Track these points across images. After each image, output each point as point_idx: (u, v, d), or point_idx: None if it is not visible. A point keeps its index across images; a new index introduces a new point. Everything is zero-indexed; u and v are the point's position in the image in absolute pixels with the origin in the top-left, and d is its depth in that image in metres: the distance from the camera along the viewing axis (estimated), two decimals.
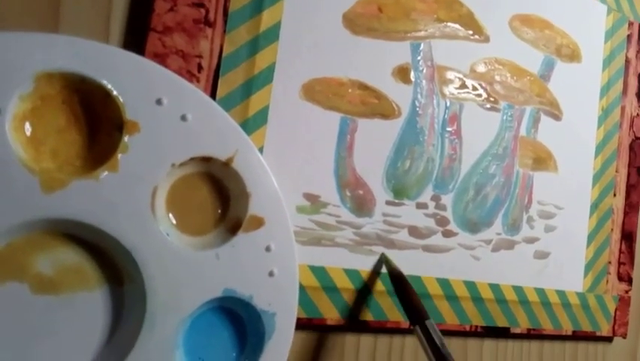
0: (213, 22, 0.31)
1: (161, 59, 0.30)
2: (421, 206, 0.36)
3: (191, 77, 0.31)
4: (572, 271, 0.43)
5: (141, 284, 0.27)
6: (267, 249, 0.29)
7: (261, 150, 0.32)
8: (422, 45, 0.36)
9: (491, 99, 0.39)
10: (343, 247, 0.34)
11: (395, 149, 0.36)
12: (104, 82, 0.26)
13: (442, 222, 0.37)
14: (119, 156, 0.26)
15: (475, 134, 0.39)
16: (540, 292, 0.41)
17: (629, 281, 0.46)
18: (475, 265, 0.38)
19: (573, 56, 0.43)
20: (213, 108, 0.28)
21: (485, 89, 0.39)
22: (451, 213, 0.37)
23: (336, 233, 0.34)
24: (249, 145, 0.28)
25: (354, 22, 0.34)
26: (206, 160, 0.28)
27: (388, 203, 0.35)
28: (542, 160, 0.42)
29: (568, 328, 0.42)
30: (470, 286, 0.38)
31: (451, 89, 0.38)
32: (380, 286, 0.35)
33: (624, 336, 0.46)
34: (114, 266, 0.27)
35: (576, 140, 0.43)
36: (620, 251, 0.46)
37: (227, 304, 0.29)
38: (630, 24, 0.47)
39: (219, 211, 0.29)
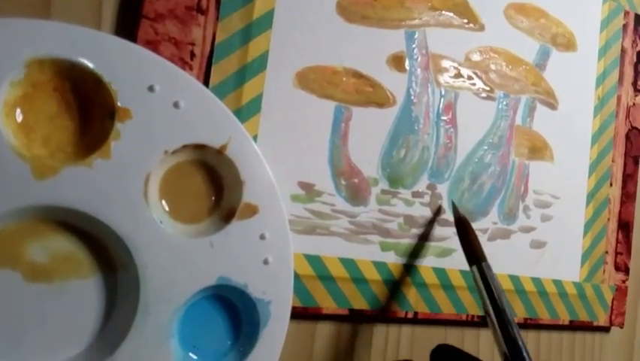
0: (206, 10, 0.31)
1: (153, 46, 0.30)
2: (417, 195, 0.36)
3: (183, 64, 0.30)
4: (568, 260, 0.43)
5: (134, 272, 0.27)
6: (262, 237, 0.29)
7: (254, 138, 0.32)
8: (417, 33, 0.36)
9: (487, 88, 0.39)
10: (338, 235, 0.34)
11: (390, 137, 0.36)
12: (96, 68, 0.26)
13: (437, 211, 0.37)
14: (112, 143, 0.26)
15: (470, 123, 0.39)
16: (537, 281, 0.41)
17: (626, 271, 0.46)
18: None
19: (569, 45, 0.43)
20: (206, 95, 0.28)
21: (480, 78, 0.39)
22: (446, 203, 0.37)
23: (332, 222, 0.34)
24: (242, 133, 0.28)
25: (348, 10, 0.34)
26: (200, 148, 0.28)
27: (384, 192, 0.35)
28: (538, 149, 0.42)
29: (565, 318, 0.43)
30: (466, 275, 0.38)
31: (446, 78, 0.38)
32: (376, 275, 0.35)
33: (621, 326, 0.46)
34: (107, 254, 0.27)
35: (572, 129, 0.44)
36: (617, 241, 0.46)
37: (221, 293, 0.29)
38: (626, 13, 0.47)
39: (213, 199, 0.29)
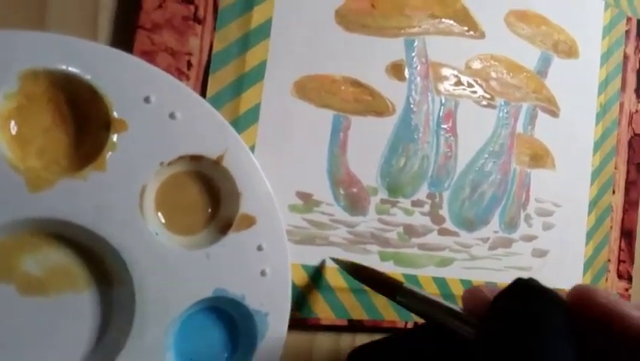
0: (203, 19, 0.31)
1: (149, 56, 0.29)
2: (417, 204, 0.36)
3: (180, 74, 0.30)
4: (571, 269, 0.43)
5: (130, 285, 0.26)
6: (259, 248, 0.29)
7: (252, 148, 0.31)
8: (416, 41, 0.36)
9: (487, 96, 0.39)
10: (337, 245, 0.33)
11: (389, 146, 0.35)
12: (91, 80, 0.25)
13: (437, 220, 0.37)
14: (107, 154, 0.26)
15: (470, 132, 0.38)
16: None
17: (629, 279, 0.46)
18: (472, 263, 0.38)
19: (570, 52, 0.43)
20: (203, 106, 0.28)
21: (481, 86, 0.39)
22: (447, 212, 0.37)
23: (330, 232, 0.33)
24: (239, 143, 0.28)
25: (347, 19, 0.34)
26: (196, 159, 0.27)
27: (383, 201, 0.35)
28: (540, 157, 0.41)
29: None
30: (467, 285, 0.38)
31: (446, 86, 0.37)
32: None
33: None
34: (103, 267, 0.27)
35: (574, 136, 0.43)
36: (620, 249, 0.45)
37: (218, 305, 0.29)
38: (628, 20, 0.47)
39: (210, 210, 0.28)
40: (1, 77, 0.24)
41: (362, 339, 0.35)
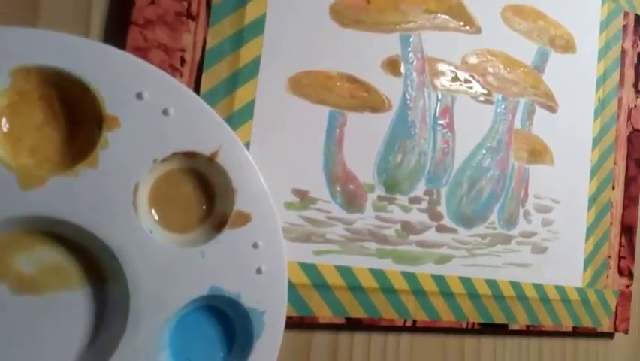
0: (196, 15, 0.31)
1: (142, 52, 0.29)
2: (414, 201, 0.36)
3: (174, 71, 0.30)
4: (571, 266, 0.42)
5: (124, 283, 0.26)
6: (255, 246, 0.29)
7: (247, 145, 0.31)
8: (412, 37, 0.36)
9: (484, 91, 0.39)
10: (334, 243, 0.33)
11: (386, 143, 0.35)
12: (82, 76, 0.25)
13: (435, 217, 0.37)
14: (99, 151, 0.26)
15: (468, 127, 0.38)
16: (538, 287, 0.41)
17: (630, 276, 0.45)
18: (471, 260, 0.38)
19: (568, 46, 0.43)
20: (196, 102, 0.27)
21: (478, 81, 0.39)
22: (445, 208, 0.37)
23: (327, 229, 0.33)
24: (233, 140, 0.28)
25: (341, 14, 0.34)
26: (190, 155, 0.27)
27: (380, 198, 0.35)
28: (538, 153, 0.41)
29: (568, 324, 0.42)
30: (466, 282, 0.37)
31: (442, 82, 0.37)
32: (373, 282, 0.34)
33: (626, 332, 0.45)
34: (96, 265, 0.26)
35: (572, 132, 0.43)
36: (620, 245, 0.45)
37: (214, 303, 0.28)
38: (626, 14, 0.47)
39: (204, 208, 0.28)
40: None
41: (360, 338, 0.35)
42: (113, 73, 0.26)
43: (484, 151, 0.39)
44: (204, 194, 0.28)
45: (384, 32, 0.35)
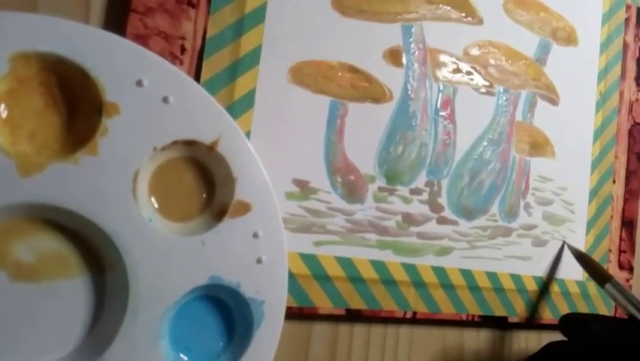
0: (196, 3, 0.31)
1: (142, 40, 0.29)
2: (415, 192, 0.36)
3: (174, 59, 0.30)
4: (571, 258, 0.42)
5: (123, 272, 0.26)
6: (255, 235, 0.29)
7: (247, 134, 0.31)
8: (414, 27, 0.36)
9: (486, 83, 0.39)
10: (335, 234, 0.33)
11: (387, 133, 0.35)
12: (83, 63, 0.25)
13: (436, 208, 0.37)
14: (99, 139, 0.26)
15: (469, 119, 0.38)
16: (539, 280, 0.41)
17: (630, 269, 0.46)
18: (471, 253, 0.38)
19: (569, 39, 0.43)
20: (196, 90, 0.27)
21: (479, 73, 0.38)
22: (445, 200, 0.37)
23: (327, 220, 0.33)
24: (234, 128, 0.28)
25: (343, 4, 0.34)
26: (190, 144, 0.27)
27: (381, 189, 0.35)
28: (539, 145, 0.41)
29: None
30: (466, 274, 0.37)
31: (444, 73, 0.37)
32: (373, 274, 0.34)
33: None
34: (95, 253, 0.26)
35: (574, 125, 0.43)
36: (621, 239, 0.45)
37: (213, 293, 0.28)
38: (628, 7, 0.46)
39: (204, 196, 0.28)
40: None
41: (360, 329, 0.35)
42: (113, 60, 0.26)
43: (485, 143, 0.39)
44: (204, 183, 0.28)
45: (386, 22, 0.35)
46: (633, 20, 0.47)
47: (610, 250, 0.45)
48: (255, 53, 0.32)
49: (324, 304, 0.33)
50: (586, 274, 0.43)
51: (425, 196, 0.36)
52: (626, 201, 0.46)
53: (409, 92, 0.36)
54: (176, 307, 0.28)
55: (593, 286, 0.43)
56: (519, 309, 0.40)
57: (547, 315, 0.41)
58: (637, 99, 0.47)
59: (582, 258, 0.41)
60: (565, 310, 0.42)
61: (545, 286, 0.41)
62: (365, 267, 0.34)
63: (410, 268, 0.35)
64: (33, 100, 0.25)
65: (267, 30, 0.32)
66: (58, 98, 0.26)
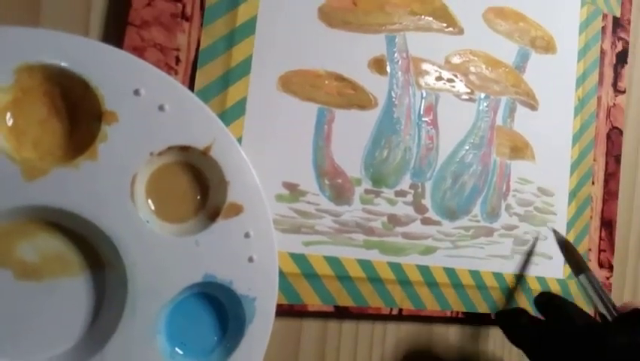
0: (190, 16, 0.32)
1: (139, 52, 0.31)
2: (400, 194, 0.38)
3: (169, 69, 0.32)
4: (552, 258, 0.44)
5: (122, 270, 0.28)
6: (246, 235, 0.30)
7: (239, 140, 0.33)
8: (397, 37, 0.38)
9: (467, 90, 0.41)
10: (323, 234, 0.35)
11: (372, 138, 0.37)
12: (84, 74, 0.27)
13: (420, 209, 0.38)
14: (99, 145, 0.27)
15: (451, 124, 0.40)
16: (520, 278, 0.43)
17: (610, 268, 0.48)
18: (455, 252, 0.40)
19: (548, 47, 0.45)
20: (190, 99, 0.29)
21: (461, 80, 0.40)
22: (429, 201, 0.39)
23: (316, 221, 0.35)
24: (226, 134, 0.30)
25: (329, 16, 0.36)
26: (185, 149, 0.29)
27: (367, 191, 0.37)
28: (519, 149, 0.43)
29: None
30: (450, 272, 0.39)
31: (426, 80, 0.39)
32: (360, 272, 0.36)
33: None
34: (95, 253, 0.28)
35: (553, 129, 0.45)
36: (600, 238, 0.47)
37: (207, 290, 0.30)
38: (604, 16, 0.49)
39: (199, 199, 0.30)
40: None
41: (349, 326, 0.37)
42: (112, 71, 0.27)
43: (467, 147, 0.41)
44: (198, 186, 0.30)
45: (371, 33, 0.37)
46: (610, 29, 0.49)
47: (590, 250, 0.47)
48: (245, 63, 0.34)
49: (313, 301, 0.35)
50: (567, 272, 0.45)
51: (410, 198, 0.38)
52: (605, 202, 0.48)
53: (394, 99, 0.38)
54: (172, 303, 0.29)
55: (573, 284, 0.45)
56: (502, 306, 0.42)
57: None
58: (615, 104, 0.49)
59: (565, 245, 0.42)
60: None
61: (527, 283, 0.43)
62: (352, 266, 0.36)
63: (396, 267, 0.37)
64: (37, 109, 0.27)
65: (257, 41, 0.34)
66: (61, 107, 0.27)
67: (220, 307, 0.31)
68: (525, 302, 0.43)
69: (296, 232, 0.34)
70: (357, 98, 0.37)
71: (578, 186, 0.46)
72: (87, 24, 0.31)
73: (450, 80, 0.40)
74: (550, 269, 0.44)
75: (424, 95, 0.39)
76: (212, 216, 0.30)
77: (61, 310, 0.27)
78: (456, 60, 0.40)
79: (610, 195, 0.48)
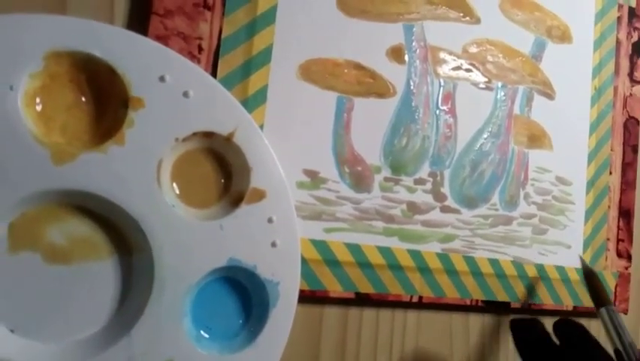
0: (212, 6, 0.33)
1: (163, 41, 0.31)
2: (419, 182, 0.38)
3: (192, 57, 0.32)
4: (570, 247, 0.44)
5: (149, 253, 0.28)
6: (269, 220, 0.30)
7: (260, 128, 0.33)
8: (415, 26, 0.38)
9: (484, 79, 0.41)
10: (343, 221, 0.35)
11: (391, 127, 0.37)
12: (110, 60, 0.27)
13: (439, 197, 0.38)
14: (126, 130, 0.28)
15: (469, 113, 0.40)
16: (539, 267, 0.42)
17: (629, 258, 0.47)
18: (473, 240, 0.40)
19: (564, 37, 0.45)
20: (214, 86, 0.29)
21: (478, 69, 0.40)
22: (448, 189, 0.39)
23: (336, 208, 0.35)
24: (249, 121, 0.30)
25: (348, 5, 0.36)
26: (209, 135, 0.29)
27: (386, 179, 0.37)
28: (537, 138, 0.43)
29: (568, 303, 0.44)
30: (470, 261, 0.39)
31: (444, 69, 0.39)
32: (380, 259, 0.36)
33: (625, 312, 0.47)
34: (123, 236, 0.28)
35: (570, 119, 0.45)
36: (619, 228, 0.47)
37: (232, 274, 0.30)
38: (620, 6, 0.48)
39: (222, 184, 0.30)
40: (26, 58, 0.26)
41: (369, 313, 0.37)
42: (137, 58, 0.28)
43: (485, 136, 0.41)
44: (222, 172, 0.30)
45: (389, 22, 0.37)
46: (625, 19, 0.49)
47: (608, 239, 0.46)
48: (266, 51, 0.34)
49: (334, 287, 0.35)
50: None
51: (429, 186, 0.38)
52: (622, 191, 0.47)
53: (412, 88, 0.38)
54: (197, 287, 0.29)
55: None
56: (521, 295, 0.41)
57: (549, 301, 0.43)
58: (631, 94, 0.49)
59: (589, 276, 0.41)
60: (565, 296, 0.43)
61: (546, 272, 0.43)
62: (373, 253, 0.36)
63: (415, 254, 0.37)
64: (65, 95, 0.27)
65: (277, 30, 0.34)
66: (88, 93, 0.28)
67: (244, 292, 0.31)
68: (544, 291, 0.42)
69: (317, 218, 0.34)
70: (375, 87, 0.37)
71: (595, 175, 0.46)
72: (112, 13, 0.31)
73: (468, 69, 0.40)
74: (569, 258, 0.44)
75: (442, 83, 0.39)
76: (236, 201, 0.30)
77: (90, 293, 0.28)
78: (473, 49, 0.40)
79: (627, 184, 0.48)
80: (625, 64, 0.48)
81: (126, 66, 0.28)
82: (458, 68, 0.40)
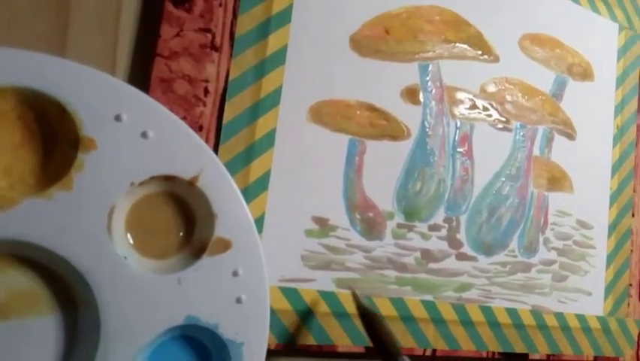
0: (220, 47, 0.16)
1: (167, 83, 0.15)
2: (434, 228, 0.18)
3: (197, 101, 0.16)
4: (591, 294, 0.21)
5: (95, 310, 0.12)
6: (235, 273, 0.13)
7: (268, 173, 0.16)
8: (430, 66, 0.18)
9: (503, 119, 0.20)
10: (354, 271, 0.16)
11: (405, 170, 0.18)
12: (59, 97, 0.11)
13: (455, 244, 0.18)
14: (74, 174, 0.12)
15: (487, 155, 0.20)
16: (559, 316, 0.20)
17: None
18: (491, 288, 0.18)
19: (585, 74, 0.23)
20: (178, 125, 0.13)
21: (496, 109, 0.20)
22: (464, 236, 0.19)
23: (346, 257, 0.16)
24: (215, 164, 0.13)
25: (361, 44, 0.18)
26: (170, 179, 0.12)
27: (399, 226, 0.17)
28: (557, 180, 0.21)
29: (589, 353, 0.21)
30: (486, 310, 0.18)
31: (461, 110, 0.19)
32: (392, 311, 0.17)
33: None
34: (67, 290, 0.12)
35: (591, 159, 0.23)
36: None
37: (190, 333, 0.13)
38: None
39: (183, 233, 0.13)
40: None
41: None
42: (91, 94, 0.12)
43: (503, 178, 0.20)
44: (184, 219, 0.13)
45: (403, 62, 0.18)
46: None
47: (630, 285, 0.23)
48: (275, 93, 0.16)
49: (343, 342, 0.16)
50: (607, 309, 0.21)
51: (444, 232, 0.18)
52: None
53: (427, 129, 0.18)
54: (150, 347, 0.13)
55: (614, 322, 0.22)
56: (540, 345, 0.20)
57: (568, 351, 0.20)
58: None
59: (369, 319, 0.15)
60: (586, 346, 0.21)
61: (566, 322, 0.20)
62: (384, 304, 0.17)
63: (429, 305, 0.17)
64: (10, 134, 0.12)
65: (287, 71, 0.17)
66: (36, 132, 0.12)
67: (204, 353, 0.13)
68: (564, 341, 0.20)
69: (325, 268, 0.16)
70: (389, 129, 0.18)
71: (617, 218, 0.23)
72: (114, 55, 0.15)
73: (485, 109, 0.19)
74: (590, 306, 0.21)
75: (459, 124, 0.19)
76: (198, 252, 0.13)
77: (29, 352, 0.12)
78: (491, 88, 0.20)
79: None
80: None
81: (78, 103, 0.12)
82: (475, 108, 0.19)
